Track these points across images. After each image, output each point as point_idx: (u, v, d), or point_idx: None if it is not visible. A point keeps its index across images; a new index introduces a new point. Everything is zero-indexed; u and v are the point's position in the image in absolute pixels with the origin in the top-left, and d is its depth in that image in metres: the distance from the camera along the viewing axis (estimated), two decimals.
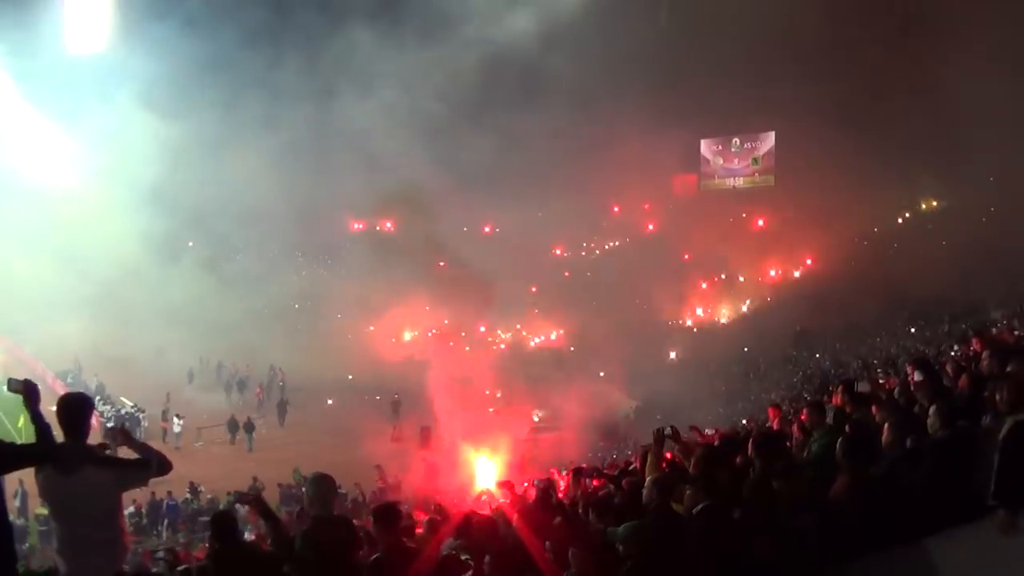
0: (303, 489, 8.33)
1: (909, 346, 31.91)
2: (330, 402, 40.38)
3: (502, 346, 51.67)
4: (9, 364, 36.47)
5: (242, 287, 45.45)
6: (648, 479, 6.57)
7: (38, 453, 4.80)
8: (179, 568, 9.04)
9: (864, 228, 56.19)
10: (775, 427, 11.40)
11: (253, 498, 6.46)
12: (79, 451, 5.08)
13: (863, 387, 9.70)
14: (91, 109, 41.83)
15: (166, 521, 24.95)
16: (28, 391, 5.00)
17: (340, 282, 52.95)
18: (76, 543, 5.14)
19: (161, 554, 12.50)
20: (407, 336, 52.55)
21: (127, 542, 5.42)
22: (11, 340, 40.53)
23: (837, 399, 9.08)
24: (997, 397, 5.74)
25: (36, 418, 4.89)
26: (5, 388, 5.08)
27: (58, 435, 5.15)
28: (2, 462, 4.62)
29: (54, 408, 5.13)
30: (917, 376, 8.63)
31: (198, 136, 43.68)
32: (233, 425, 35.39)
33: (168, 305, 42.50)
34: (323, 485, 5.94)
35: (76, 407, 5.19)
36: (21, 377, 5.14)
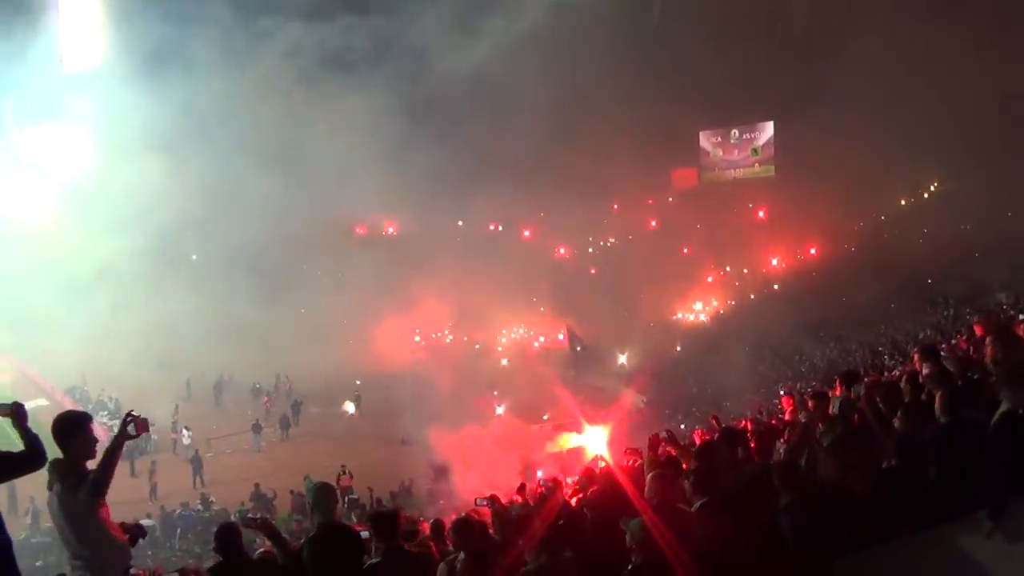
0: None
1: (916, 333, 31.71)
2: (350, 410, 40.37)
3: (499, 349, 51.72)
4: (18, 382, 36.70)
5: (245, 296, 45.30)
6: (649, 475, 6.57)
7: (22, 460, 4.89)
8: None
9: (867, 214, 56.03)
10: (788, 417, 11.43)
11: (262, 522, 6.47)
12: (59, 468, 5.34)
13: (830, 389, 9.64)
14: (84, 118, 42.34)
15: (179, 531, 25.04)
16: (16, 412, 5.05)
17: (345, 287, 52.87)
18: (69, 557, 5.41)
19: None
20: (415, 339, 52.64)
21: (110, 559, 5.49)
22: (18, 359, 40.45)
23: (838, 390, 9.07)
24: (995, 377, 5.73)
25: (24, 433, 4.98)
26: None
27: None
28: None
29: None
30: (925, 367, 8.51)
31: (196, 145, 43.76)
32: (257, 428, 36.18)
33: (170, 317, 42.38)
34: (324, 493, 6.15)
35: (61, 425, 5.37)
36: (31, 395, 5.27)
